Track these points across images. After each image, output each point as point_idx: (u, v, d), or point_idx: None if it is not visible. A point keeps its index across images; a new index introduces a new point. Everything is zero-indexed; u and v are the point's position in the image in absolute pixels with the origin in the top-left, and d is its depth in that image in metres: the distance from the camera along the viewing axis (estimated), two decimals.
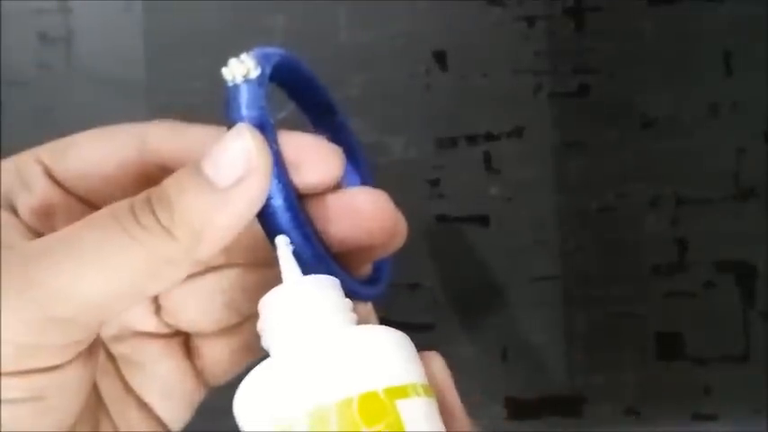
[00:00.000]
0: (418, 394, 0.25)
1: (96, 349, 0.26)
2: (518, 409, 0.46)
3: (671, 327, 0.46)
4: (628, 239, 0.46)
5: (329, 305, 0.25)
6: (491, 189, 0.47)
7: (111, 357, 0.28)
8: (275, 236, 0.26)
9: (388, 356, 0.25)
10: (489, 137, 0.46)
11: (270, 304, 0.25)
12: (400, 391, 0.24)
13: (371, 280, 0.30)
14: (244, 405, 0.24)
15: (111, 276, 0.23)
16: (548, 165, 0.46)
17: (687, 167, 0.46)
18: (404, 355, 0.25)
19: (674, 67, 0.46)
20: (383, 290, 0.31)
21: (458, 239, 0.47)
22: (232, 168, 0.24)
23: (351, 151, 0.31)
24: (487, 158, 0.46)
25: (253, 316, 0.29)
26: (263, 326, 0.25)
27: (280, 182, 0.25)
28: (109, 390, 0.28)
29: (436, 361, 0.26)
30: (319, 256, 0.26)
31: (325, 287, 0.26)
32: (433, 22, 0.46)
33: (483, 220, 0.47)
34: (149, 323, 0.29)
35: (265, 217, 0.25)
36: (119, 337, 0.28)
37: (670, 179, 0.46)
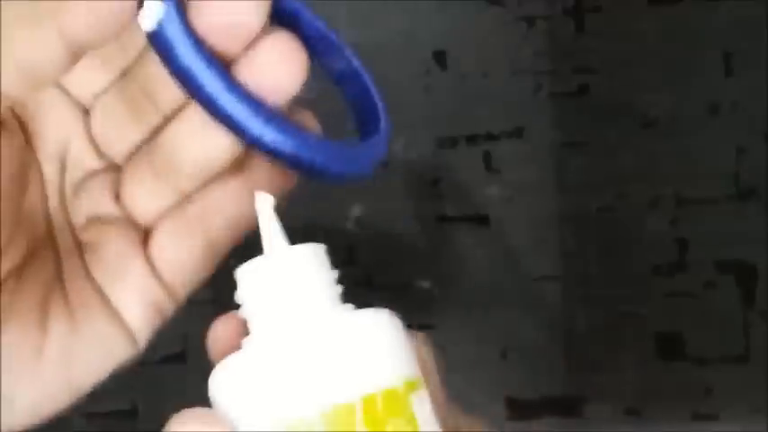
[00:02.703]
0: (422, 386, 0.24)
1: (14, 136, 0.26)
2: (518, 409, 0.46)
3: (671, 327, 0.46)
4: (628, 239, 0.47)
5: (319, 283, 0.24)
6: (491, 189, 0.47)
7: (79, 245, 0.29)
8: (186, 81, 0.25)
9: (396, 347, 0.23)
10: (489, 137, 0.46)
11: (252, 278, 0.24)
12: (413, 385, 0.23)
13: (363, 136, 0.29)
14: (232, 399, 0.23)
15: None
16: (548, 165, 0.46)
17: (687, 167, 0.46)
18: (405, 343, 0.24)
19: (674, 67, 0.46)
20: (380, 152, 0.29)
21: (458, 239, 0.47)
22: None
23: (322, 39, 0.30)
24: (487, 158, 0.46)
25: (197, 195, 0.29)
26: (243, 298, 0.25)
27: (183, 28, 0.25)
28: (70, 273, 0.28)
29: (426, 345, 0.26)
30: (235, 89, 0.25)
31: (312, 260, 0.25)
32: (433, 22, 0.46)
33: (483, 220, 0.47)
34: (108, 208, 0.29)
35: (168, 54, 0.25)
36: (84, 226, 0.29)
37: (670, 179, 0.46)
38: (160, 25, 0.25)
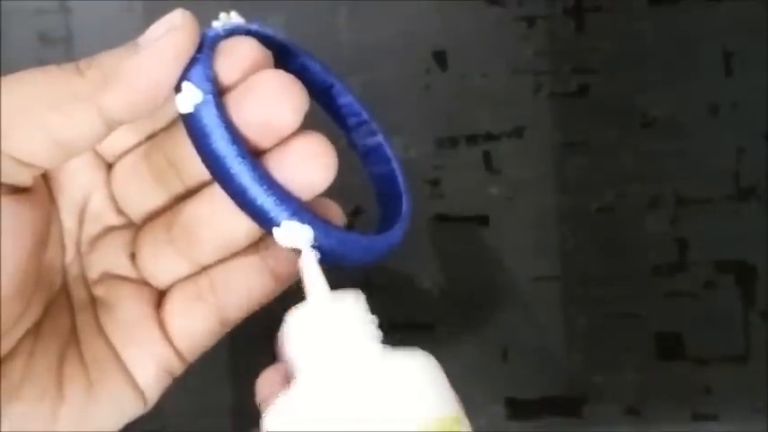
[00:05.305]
0: (464, 422, 0.25)
1: (41, 198, 0.27)
2: (518, 409, 0.46)
3: (671, 327, 0.46)
4: (628, 239, 0.46)
5: (361, 327, 0.25)
6: (491, 189, 0.47)
7: (92, 299, 0.29)
8: (216, 167, 0.25)
9: (439, 384, 0.25)
10: (489, 137, 0.46)
11: (297, 325, 0.25)
12: (457, 420, 0.24)
13: (381, 229, 0.30)
14: None
15: (10, 101, 0.24)
16: (548, 165, 0.46)
17: (687, 167, 0.46)
18: (445, 380, 0.25)
19: (674, 67, 0.46)
20: (396, 239, 0.29)
21: (458, 239, 0.47)
22: (154, 31, 0.25)
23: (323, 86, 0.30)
24: (487, 158, 0.46)
25: (211, 268, 0.29)
26: (288, 344, 0.25)
27: (220, 115, 0.25)
28: (84, 328, 0.28)
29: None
30: (265, 179, 0.25)
31: (353, 306, 0.25)
32: (433, 22, 0.46)
33: (483, 220, 0.47)
34: (124, 267, 0.29)
35: (202, 142, 0.25)
36: (98, 281, 0.29)
37: (670, 179, 0.46)
38: (197, 109, 0.25)
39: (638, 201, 0.46)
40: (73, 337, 0.28)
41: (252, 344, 0.46)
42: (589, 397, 0.46)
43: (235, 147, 0.25)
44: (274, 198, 0.25)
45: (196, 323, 0.29)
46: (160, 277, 0.29)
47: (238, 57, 0.26)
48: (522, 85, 0.46)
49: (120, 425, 0.28)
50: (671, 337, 0.46)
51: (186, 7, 0.48)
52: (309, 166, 0.26)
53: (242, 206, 0.26)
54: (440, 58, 0.46)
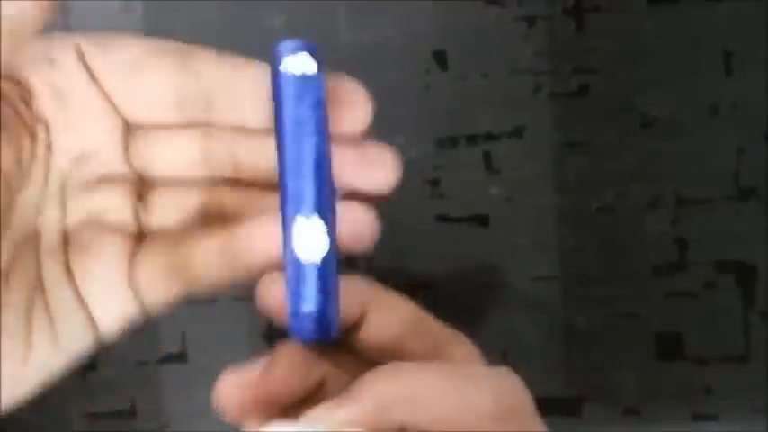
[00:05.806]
0: None
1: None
2: None
3: (671, 327, 0.46)
4: (628, 239, 0.47)
5: None
6: (491, 189, 0.47)
7: (66, 243, 0.28)
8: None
9: None
10: (489, 137, 0.46)
11: None
12: None
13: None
14: None
15: None
16: (548, 165, 0.46)
17: (687, 167, 0.46)
18: None
19: (674, 67, 0.46)
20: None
21: (458, 239, 0.47)
22: None
23: None
24: (487, 158, 0.46)
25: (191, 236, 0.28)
26: None
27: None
28: (49, 273, 0.27)
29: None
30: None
31: None
32: (433, 22, 0.46)
33: (483, 220, 0.47)
34: (123, 217, 0.28)
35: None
36: (86, 224, 0.28)
37: (670, 179, 0.46)
38: (305, 76, 0.26)
39: (638, 201, 0.46)
40: (39, 286, 0.27)
41: (252, 344, 0.46)
42: (589, 397, 0.46)
43: (320, 120, 0.25)
44: (317, 188, 0.25)
45: (159, 278, 0.28)
46: (153, 220, 0.29)
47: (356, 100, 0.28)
48: (522, 85, 0.46)
49: (75, 364, 0.28)
50: (671, 337, 0.46)
51: (187, 9, 0.48)
52: (357, 226, 0.27)
53: (283, 178, 0.25)
54: (440, 58, 0.46)
